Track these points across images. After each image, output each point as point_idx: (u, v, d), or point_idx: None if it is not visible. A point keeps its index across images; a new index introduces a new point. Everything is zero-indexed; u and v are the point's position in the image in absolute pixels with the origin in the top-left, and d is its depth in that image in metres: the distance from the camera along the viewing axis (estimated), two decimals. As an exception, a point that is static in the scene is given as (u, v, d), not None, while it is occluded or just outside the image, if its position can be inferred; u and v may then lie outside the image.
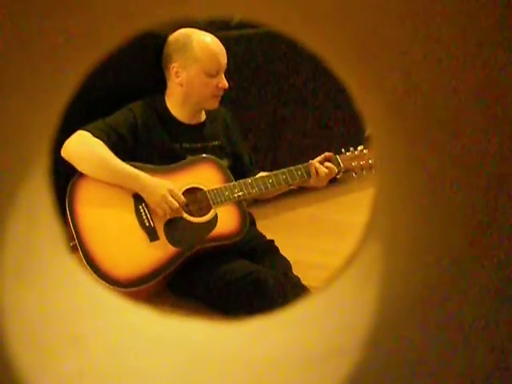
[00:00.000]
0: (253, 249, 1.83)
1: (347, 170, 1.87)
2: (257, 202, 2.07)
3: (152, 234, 1.69)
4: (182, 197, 1.70)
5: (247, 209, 1.84)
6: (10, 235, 0.54)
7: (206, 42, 1.77)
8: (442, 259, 0.58)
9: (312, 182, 1.82)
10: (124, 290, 1.59)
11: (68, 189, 1.67)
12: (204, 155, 1.82)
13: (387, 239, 0.69)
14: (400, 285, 0.64)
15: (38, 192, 0.63)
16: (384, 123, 0.63)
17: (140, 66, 1.91)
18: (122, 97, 1.81)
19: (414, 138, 0.57)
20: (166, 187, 1.68)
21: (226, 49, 1.80)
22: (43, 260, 0.64)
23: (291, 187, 1.90)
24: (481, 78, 0.44)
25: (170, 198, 1.67)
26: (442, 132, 0.51)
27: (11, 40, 0.45)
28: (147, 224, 1.69)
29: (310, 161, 1.82)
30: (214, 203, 1.74)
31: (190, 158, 1.81)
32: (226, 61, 1.79)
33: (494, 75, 0.43)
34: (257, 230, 1.92)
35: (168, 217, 1.70)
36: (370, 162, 1.86)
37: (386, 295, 0.65)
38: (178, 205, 1.68)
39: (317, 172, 1.79)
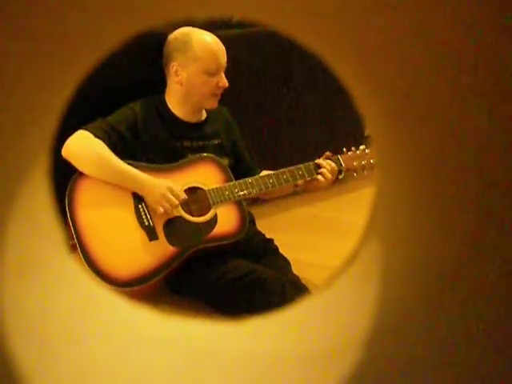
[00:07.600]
0: (252, 248, 1.83)
1: (349, 170, 1.87)
2: (256, 201, 2.07)
3: (151, 234, 1.69)
4: (183, 193, 1.70)
5: (247, 208, 1.84)
6: (11, 235, 0.54)
7: (205, 41, 1.77)
8: (442, 259, 0.58)
9: (318, 182, 1.81)
10: (122, 289, 1.59)
11: (68, 188, 1.67)
12: (204, 154, 1.82)
13: (387, 239, 0.69)
14: (400, 284, 0.64)
15: (38, 192, 0.63)
16: (384, 123, 0.63)
17: (140, 65, 1.91)
18: (123, 96, 1.82)
19: (415, 137, 0.57)
20: (165, 186, 1.68)
21: (225, 48, 1.80)
22: (43, 260, 0.64)
23: (297, 188, 1.89)
24: (483, 78, 0.44)
25: (170, 196, 1.67)
26: (443, 132, 0.51)
27: (11, 39, 0.45)
28: (147, 223, 1.69)
29: (315, 161, 1.83)
30: (213, 203, 1.74)
31: (190, 156, 1.81)
32: (225, 60, 1.79)
33: (496, 75, 0.43)
34: (256, 229, 1.92)
35: (167, 216, 1.70)
36: (372, 161, 1.85)
37: (385, 295, 0.65)
38: (177, 202, 1.68)
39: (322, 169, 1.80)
